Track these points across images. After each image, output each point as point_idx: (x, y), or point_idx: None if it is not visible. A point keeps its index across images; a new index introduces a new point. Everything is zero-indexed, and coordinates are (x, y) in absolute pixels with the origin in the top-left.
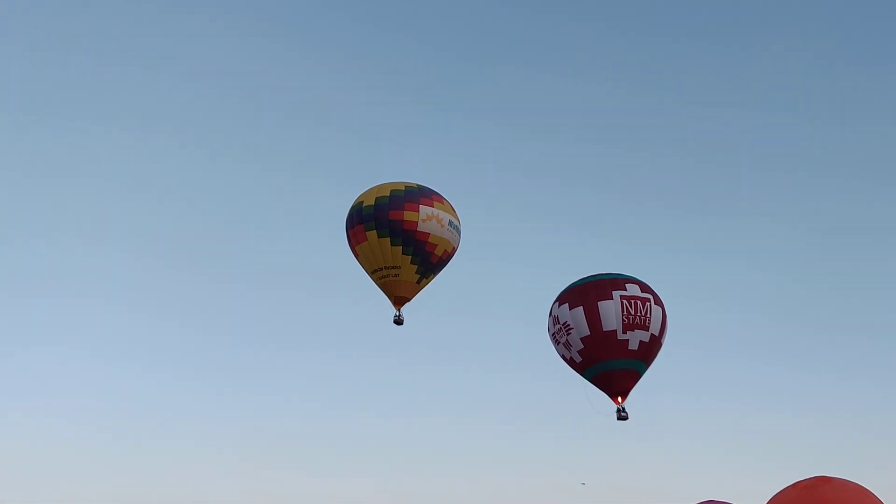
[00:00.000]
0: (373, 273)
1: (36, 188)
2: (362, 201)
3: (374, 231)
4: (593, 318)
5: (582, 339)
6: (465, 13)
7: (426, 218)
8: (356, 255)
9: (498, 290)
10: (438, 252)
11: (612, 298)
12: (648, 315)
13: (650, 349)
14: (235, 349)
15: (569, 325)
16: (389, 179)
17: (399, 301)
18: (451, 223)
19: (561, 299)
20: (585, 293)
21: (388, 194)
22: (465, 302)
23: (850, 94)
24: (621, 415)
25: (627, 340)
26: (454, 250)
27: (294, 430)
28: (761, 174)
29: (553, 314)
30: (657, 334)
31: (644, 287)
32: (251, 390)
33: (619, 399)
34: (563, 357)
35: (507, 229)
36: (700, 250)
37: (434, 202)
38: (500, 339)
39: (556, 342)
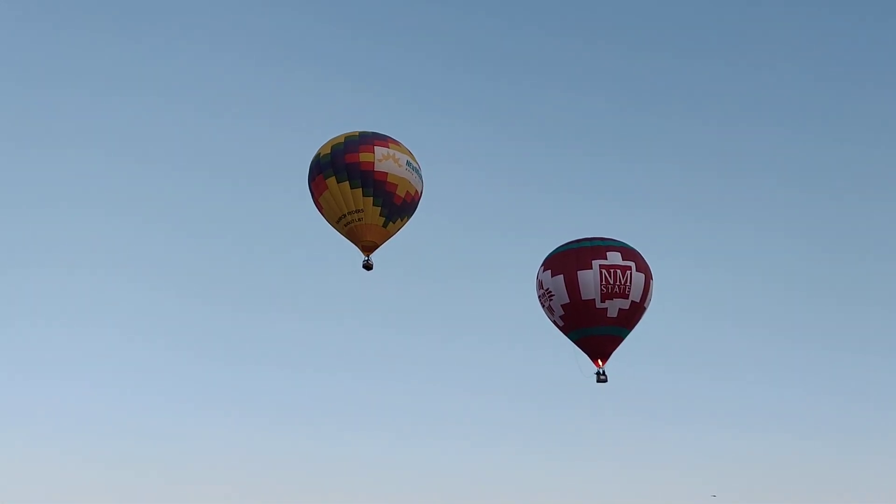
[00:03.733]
0: (337, 222)
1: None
2: (320, 153)
3: (333, 177)
4: (573, 287)
5: (562, 307)
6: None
7: (382, 158)
8: (320, 209)
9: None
10: (401, 193)
11: (592, 268)
12: (628, 283)
13: (631, 316)
14: (229, 368)
15: (550, 291)
16: None
17: (367, 248)
18: (408, 163)
19: (545, 265)
20: (566, 261)
21: (343, 140)
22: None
23: (853, 106)
24: (601, 378)
25: (606, 309)
26: (418, 194)
27: (294, 449)
28: (761, 181)
29: (539, 278)
30: (638, 301)
31: (627, 254)
32: (245, 407)
33: (600, 362)
34: (549, 318)
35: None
36: (697, 255)
37: (389, 143)
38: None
39: (542, 305)
